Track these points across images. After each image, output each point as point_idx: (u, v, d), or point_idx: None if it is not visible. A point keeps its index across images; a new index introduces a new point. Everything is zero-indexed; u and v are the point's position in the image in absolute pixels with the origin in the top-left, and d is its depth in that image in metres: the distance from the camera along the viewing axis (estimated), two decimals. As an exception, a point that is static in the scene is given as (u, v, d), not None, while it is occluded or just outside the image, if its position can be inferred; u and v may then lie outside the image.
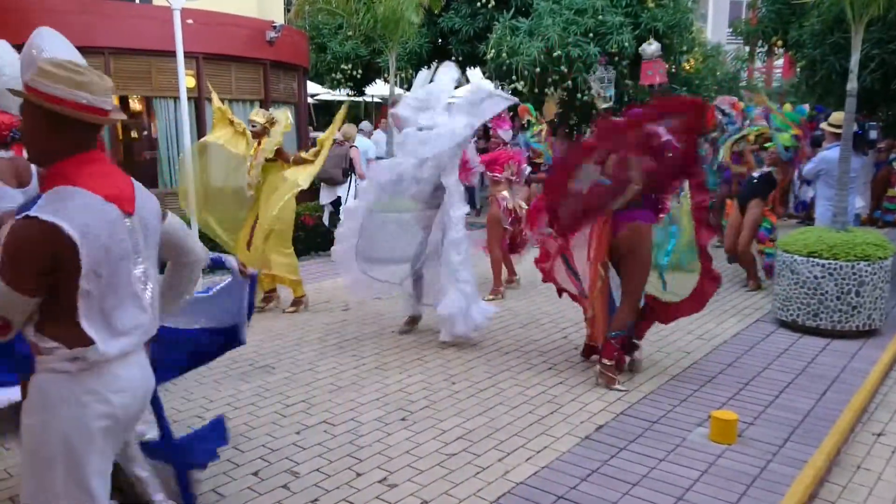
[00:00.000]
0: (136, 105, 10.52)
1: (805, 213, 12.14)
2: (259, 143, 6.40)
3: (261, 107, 10.36)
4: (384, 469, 3.61)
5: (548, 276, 5.24)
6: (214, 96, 6.93)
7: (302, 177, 6.41)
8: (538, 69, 11.04)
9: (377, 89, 19.08)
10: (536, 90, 11.34)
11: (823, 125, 7.21)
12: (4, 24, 8.33)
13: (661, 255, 5.05)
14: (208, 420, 4.16)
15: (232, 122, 6.54)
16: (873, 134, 7.78)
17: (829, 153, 6.65)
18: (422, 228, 5.82)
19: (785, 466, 3.63)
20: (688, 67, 13.48)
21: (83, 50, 9.27)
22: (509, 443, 3.90)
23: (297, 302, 6.65)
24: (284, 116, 6.54)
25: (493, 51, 11.61)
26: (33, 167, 3.52)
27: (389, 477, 3.53)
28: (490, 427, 4.10)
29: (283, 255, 6.54)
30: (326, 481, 3.49)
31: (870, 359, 5.28)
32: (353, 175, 9.17)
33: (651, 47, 11.24)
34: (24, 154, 3.52)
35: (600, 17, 11.12)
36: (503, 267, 7.28)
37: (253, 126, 6.40)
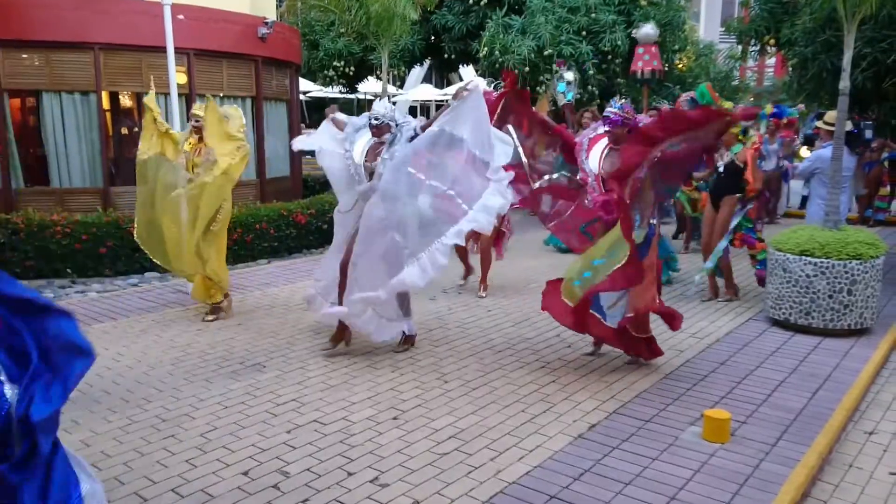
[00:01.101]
0: (126, 101, 10.44)
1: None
2: (200, 139, 6.02)
3: (252, 104, 10.36)
4: (375, 468, 3.58)
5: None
6: (151, 94, 6.49)
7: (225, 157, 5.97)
8: (527, 68, 11.02)
9: (369, 86, 19.05)
10: (528, 88, 11.32)
11: (818, 123, 7.21)
12: (-4, 19, 8.28)
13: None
14: (198, 419, 4.14)
15: (156, 121, 6.24)
16: (869, 133, 7.79)
17: (824, 151, 6.64)
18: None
19: (777, 465, 3.63)
20: (680, 66, 13.50)
21: (74, 45, 9.28)
22: (501, 442, 3.88)
23: (217, 309, 6.26)
24: (238, 115, 6.20)
25: (485, 48, 11.58)
26: None
27: (381, 476, 3.50)
28: (482, 426, 4.08)
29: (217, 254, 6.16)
30: (317, 481, 3.46)
31: (861, 357, 5.29)
32: None
33: (646, 29, 10.41)
34: None
35: (593, 15, 11.12)
36: (464, 262, 7.43)
37: (196, 121, 6.00)
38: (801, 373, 4.97)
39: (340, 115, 5.62)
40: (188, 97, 9.39)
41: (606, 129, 4.91)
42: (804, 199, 12.73)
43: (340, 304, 5.17)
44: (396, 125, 5.12)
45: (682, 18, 12.65)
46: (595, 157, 4.96)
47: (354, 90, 17.06)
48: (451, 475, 3.52)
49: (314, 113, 25.17)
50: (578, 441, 3.90)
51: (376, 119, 5.09)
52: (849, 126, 6.44)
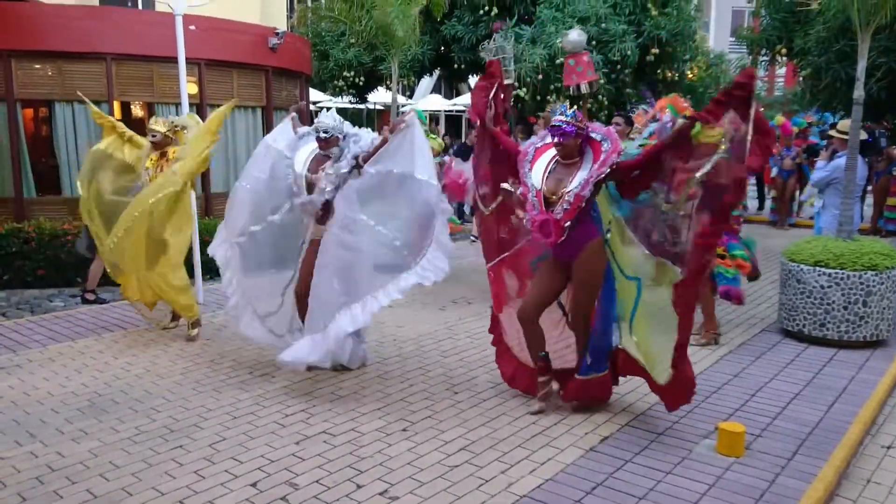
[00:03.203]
0: (137, 111, 10.50)
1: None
2: (164, 156, 5.80)
3: (262, 115, 10.38)
4: (385, 481, 3.54)
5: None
6: (91, 106, 6.44)
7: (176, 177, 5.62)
8: (540, 76, 11.00)
9: (379, 96, 19.10)
10: (539, 97, 11.30)
11: (832, 132, 7.15)
12: (10, 30, 8.35)
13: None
14: (206, 429, 4.12)
15: (115, 128, 6.18)
16: (884, 142, 7.72)
17: (842, 161, 6.55)
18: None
19: (794, 480, 3.56)
20: (691, 76, 13.46)
21: (86, 55, 9.32)
22: (513, 454, 3.83)
23: (197, 322, 5.94)
24: (194, 122, 6.05)
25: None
26: None
27: (390, 489, 3.46)
28: (493, 438, 4.03)
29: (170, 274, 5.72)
30: (326, 493, 3.42)
31: (878, 370, 5.21)
32: None
33: (574, 35, 8.50)
34: None
35: (603, 25, 11.09)
36: None
37: (154, 136, 5.80)
38: (816, 385, 4.90)
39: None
40: (199, 107, 9.42)
41: (556, 140, 4.10)
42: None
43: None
44: (344, 138, 4.84)
45: (693, 28, 12.62)
46: (539, 171, 4.20)
47: (364, 100, 17.11)
48: (462, 488, 3.47)
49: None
50: (590, 454, 3.84)
51: (325, 132, 4.76)
52: (864, 135, 6.36)
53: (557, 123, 4.03)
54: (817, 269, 5.70)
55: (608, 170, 3.97)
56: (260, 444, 3.94)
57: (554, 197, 4.05)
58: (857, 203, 6.56)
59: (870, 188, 11.62)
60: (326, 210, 4.82)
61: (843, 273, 5.61)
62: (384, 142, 4.71)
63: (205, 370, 5.16)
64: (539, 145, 4.29)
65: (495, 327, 4.79)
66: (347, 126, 4.93)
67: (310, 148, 4.97)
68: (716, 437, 3.93)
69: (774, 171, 12.63)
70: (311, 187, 4.83)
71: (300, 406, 4.49)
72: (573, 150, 4.09)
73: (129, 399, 4.60)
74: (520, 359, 4.67)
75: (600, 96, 11.38)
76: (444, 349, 5.68)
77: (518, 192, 4.31)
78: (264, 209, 5.06)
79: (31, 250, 7.80)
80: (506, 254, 4.64)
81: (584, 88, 8.53)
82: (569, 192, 4.00)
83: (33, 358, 5.44)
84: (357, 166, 4.77)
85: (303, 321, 4.92)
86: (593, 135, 4.10)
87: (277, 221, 5.07)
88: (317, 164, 4.89)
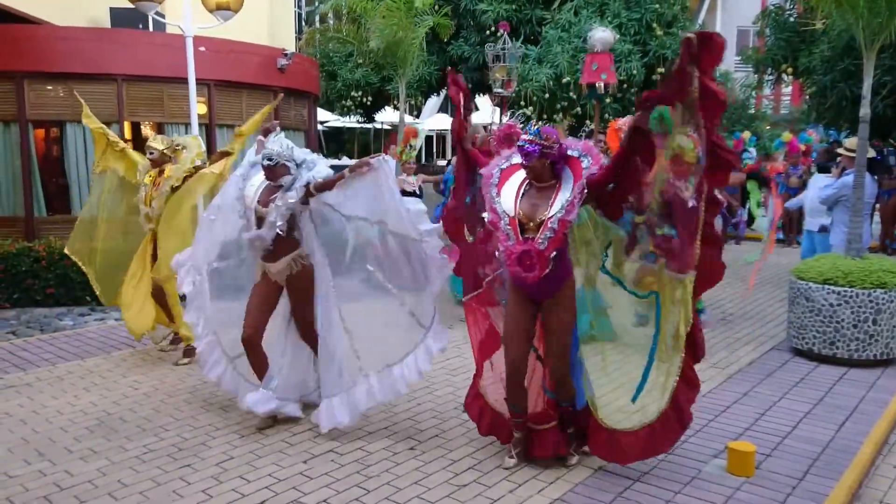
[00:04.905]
0: (147, 131, 10.60)
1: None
2: (161, 172, 5.74)
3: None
4: (392, 500, 3.53)
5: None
6: (86, 109, 6.27)
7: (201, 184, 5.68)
8: (547, 95, 11.09)
9: (387, 116, 19.26)
10: (545, 116, 11.39)
11: (840, 150, 7.16)
12: (22, 53, 8.48)
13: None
14: (214, 448, 4.11)
15: (109, 142, 6.07)
16: (893, 160, 7.72)
17: (850, 178, 6.55)
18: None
19: (805, 500, 3.53)
20: (697, 94, 13.52)
21: (97, 77, 9.41)
22: (521, 473, 3.81)
23: (190, 352, 5.71)
24: (196, 144, 5.97)
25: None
26: None
27: (398, 509, 3.45)
28: (501, 457, 4.01)
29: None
30: (334, 513, 3.41)
31: (889, 389, 5.17)
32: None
33: (602, 34, 8.17)
34: None
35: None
36: None
37: (150, 154, 5.71)
38: (827, 404, 4.87)
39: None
40: (208, 127, 9.52)
41: (522, 162, 3.65)
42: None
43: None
44: (297, 166, 4.34)
45: (698, 48, 12.70)
46: (509, 195, 3.70)
47: (372, 120, 17.27)
48: (470, 508, 3.45)
49: (331, 143, 25.49)
50: (599, 473, 3.82)
51: (269, 160, 4.23)
52: (872, 153, 6.36)
53: (520, 143, 3.60)
54: (826, 287, 5.68)
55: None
56: (268, 464, 3.94)
57: (531, 224, 3.58)
58: (866, 221, 6.54)
59: (877, 206, 11.59)
60: (277, 246, 4.34)
61: (852, 291, 5.59)
62: (339, 178, 4.24)
63: (212, 389, 5.16)
64: (504, 166, 3.80)
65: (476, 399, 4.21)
66: (301, 152, 4.43)
67: (261, 176, 4.42)
68: (725, 456, 3.91)
69: (781, 189, 12.61)
70: (260, 221, 4.32)
71: (307, 425, 4.48)
72: (543, 171, 3.61)
73: (137, 418, 4.61)
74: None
75: (606, 115, 11.44)
76: (452, 367, 5.67)
77: (486, 219, 3.79)
78: (228, 244, 4.66)
79: (40, 269, 7.85)
80: (480, 290, 4.16)
81: (600, 88, 8.07)
82: (552, 217, 3.51)
83: (42, 377, 5.46)
84: (308, 194, 4.30)
85: (256, 373, 4.48)
86: (571, 152, 3.64)
87: (245, 257, 4.67)
88: (268, 194, 4.35)
